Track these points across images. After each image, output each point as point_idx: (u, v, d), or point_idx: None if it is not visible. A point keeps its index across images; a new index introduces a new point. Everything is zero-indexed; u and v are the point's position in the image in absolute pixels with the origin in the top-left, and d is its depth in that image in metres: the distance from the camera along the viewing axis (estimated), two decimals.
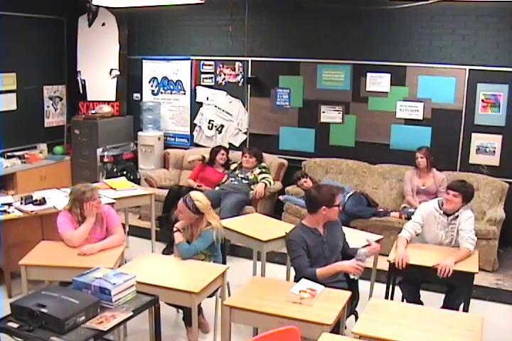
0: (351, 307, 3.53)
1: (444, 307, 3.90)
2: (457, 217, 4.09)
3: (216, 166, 6.37)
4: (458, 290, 3.94)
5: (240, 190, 5.95)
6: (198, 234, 3.92)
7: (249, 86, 6.73)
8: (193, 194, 4.03)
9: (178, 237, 3.90)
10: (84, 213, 4.00)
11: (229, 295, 3.94)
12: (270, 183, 6.05)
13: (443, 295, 4.09)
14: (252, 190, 6.00)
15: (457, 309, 3.85)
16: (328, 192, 3.65)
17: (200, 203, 3.93)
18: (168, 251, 5.27)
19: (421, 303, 4.02)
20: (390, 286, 3.94)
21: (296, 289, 3.17)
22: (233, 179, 6.15)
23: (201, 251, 3.90)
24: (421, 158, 5.58)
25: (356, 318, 3.45)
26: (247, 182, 6.10)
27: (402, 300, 4.08)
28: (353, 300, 3.58)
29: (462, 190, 4.06)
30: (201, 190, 5.28)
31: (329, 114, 6.37)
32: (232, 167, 6.33)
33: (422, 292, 4.15)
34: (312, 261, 3.56)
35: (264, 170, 6.15)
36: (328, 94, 6.31)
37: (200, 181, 6.25)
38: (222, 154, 6.36)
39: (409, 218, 5.39)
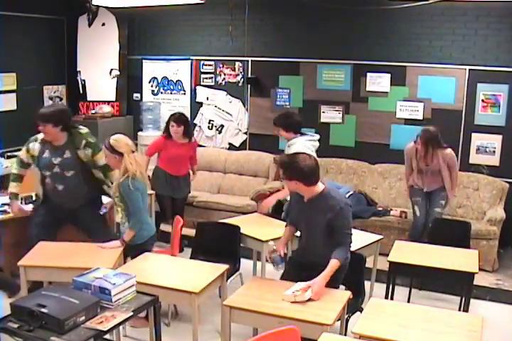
0: (357, 304, 3.53)
1: None
2: None
3: (178, 138, 5.47)
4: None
5: None
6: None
7: (249, 86, 6.73)
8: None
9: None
10: None
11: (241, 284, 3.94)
12: None
13: (443, 296, 4.09)
14: None
15: None
16: None
17: (115, 141, 3.78)
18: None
19: None
20: (390, 286, 3.94)
21: (289, 291, 3.17)
22: None
23: (139, 206, 3.79)
24: None
25: None
26: None
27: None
28: (359, 296, 3.58)
29: None
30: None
31: (329, 114, 6.37)
32: None
33: (421, 292, 4.15)
34: (296, 218, 3.59)
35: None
36: (328, 94, 6.31)
37: (168, 161, 5.48)
38: (172, 126, 5.42)
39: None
